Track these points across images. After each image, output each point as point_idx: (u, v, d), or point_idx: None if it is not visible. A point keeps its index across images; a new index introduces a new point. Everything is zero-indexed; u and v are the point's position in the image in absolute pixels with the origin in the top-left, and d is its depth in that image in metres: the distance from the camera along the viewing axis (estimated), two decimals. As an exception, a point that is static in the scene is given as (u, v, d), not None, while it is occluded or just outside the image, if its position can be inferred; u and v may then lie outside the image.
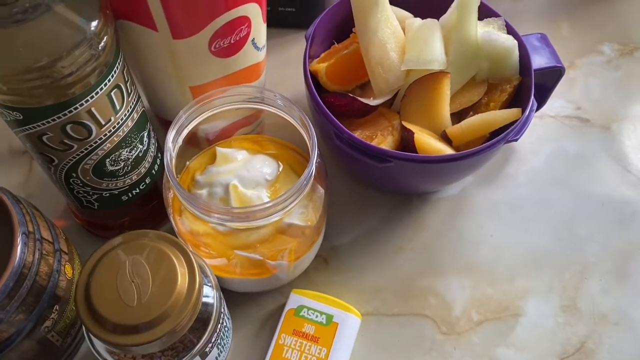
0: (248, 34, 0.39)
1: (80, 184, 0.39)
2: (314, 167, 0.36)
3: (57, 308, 0.36)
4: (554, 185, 0.51)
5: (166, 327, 0.32)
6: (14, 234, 0.33)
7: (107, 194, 0.40)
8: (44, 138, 0.34)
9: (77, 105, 0.33)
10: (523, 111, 0.42)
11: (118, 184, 0.40)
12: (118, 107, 0.35)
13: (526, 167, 0.52)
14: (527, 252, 0.48)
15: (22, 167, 0.51)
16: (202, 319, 0.36)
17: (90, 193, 0.40)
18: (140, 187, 0.42)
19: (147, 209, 0.46)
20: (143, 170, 0.41)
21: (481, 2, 0.46)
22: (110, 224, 0.45)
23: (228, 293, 0.44)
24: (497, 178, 0.51)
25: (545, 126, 0.54)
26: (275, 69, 0.53)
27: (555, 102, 0.56)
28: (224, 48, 0.38)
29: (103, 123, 0.35)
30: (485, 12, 0.47)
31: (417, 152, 0.41)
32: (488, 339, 0.44)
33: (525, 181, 0.51)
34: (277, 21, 0.59)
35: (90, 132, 0.35)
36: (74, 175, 0.38)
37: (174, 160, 0.37)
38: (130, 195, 0.42)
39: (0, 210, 0.34)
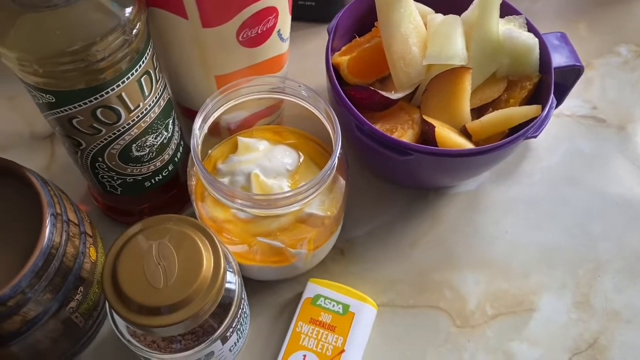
0: (275, 24, 0.39)
1: (106, 169, 0.39)
2: (337, 158, 0.37)
3: (82, 290, 0.37)
4: (569, 184, 0.51)
5: (190, 311, 0.33)
6: (42, 214, 0.34)
7: (131, 180, 0.41)
8: (74, 121, 0.35)
9: (109, 89, 0.33)
10: (543, 108, 0.43)
11: (142, 170, 0.41)
12: (147, 93, 0.36)
13: (542, 164, 0.53)
14: (542, 249, 0.48)
15: (44, 151, 0.51)
16: (224, 304, 0.37)
17: (115, 178, 0.40)
18: (163, 174, 0.43)
19: (167, 196, 0.46)
20: (167, 157, 0.42)
21: (502, 0, 0.46)
22: (131, 209, 0.46)
23: (246, 280, 0.44)
24: (513, 175, 0.52)
25: (561, 125, 0.55)
26: (294, 61, 0.53)
27: (572, 102, 0.56)
28: (251, 38, 0.39)
29: (132, 108, 0.35)
30: (506, 10, 0.47)
31: (437, 146, 0.42)
32: (502, 333, 0.44)
33: (540, 179, 0.52)
34: (296, 14, 0.59)
35: (119, 116, 0.35)
36: (100, 159, 0.38)
37: (199, 147, 0.37)
38: (153, 182, 0.42)
39: (28, 191, 0.35)
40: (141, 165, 0.40)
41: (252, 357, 0.43)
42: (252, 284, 0.45)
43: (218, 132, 0.46)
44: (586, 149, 0.53)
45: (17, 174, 0.35)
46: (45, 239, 0.33)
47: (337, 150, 0.37)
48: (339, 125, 0.37)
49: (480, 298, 0.46)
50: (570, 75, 0.48)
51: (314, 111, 0.39)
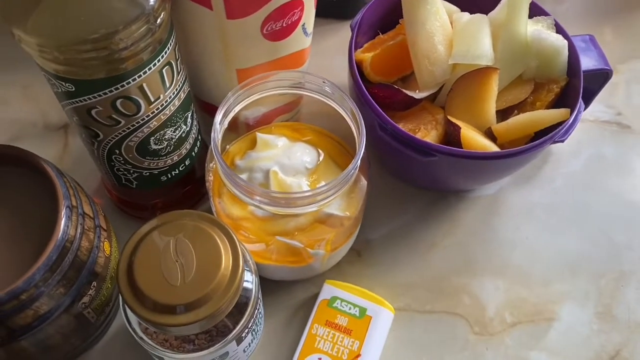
0: (300, 18, 0.38)
1: (122, 162, 0.38)
2: (360, 158, 0.36)
3: (95, 285, 0.36)
4: (592, 190, 0.50)
5: (207, 310, 0.32)
6: (58, 207, 0.33)
7: (147, 173, 0.40)
8: (93, 112, 0.34)
9: (130, 80, 0.32)
10: (571, 112, 0.41)
11: (159, 164, 0.40)
12: (168, 85, 0.35)
13: (564, 170, 0.51)
14: (563, 256, 0.47)
15: (58, 142, 0.51)
16: (241, 303, 0.36)
17: (131, 171, 0.39)
18: (180, 169, 0.42)
19: (181, 192, 0.45)
20: (184, 151, 0.41)
21: (531, 0, 0.45)
22: (144, 204, 0.45)
23: (261, 280, 0.43)
24: (534, 180, 0.51)
25: (584, 130, 0.53)
26: (313, 57, 0.52)
27: (596, 107, 0.55)
28: (276, 31, 0.38)
29: (152, 100, 0.34)
30: (534, 11, 0.46)
31: (461, 148, 0.40)
32: (521, 342, 0.43)
33: (562, 184, 0.51)
34: (319, 11, 0.58)
35: (139, 108, 0.34)
36: (117, 152, 0.37)
37: (220, 141, 0.36)
38: (169, 176, 0.41)
39: (44, 182, 0.34)
40: (158, 159, 0.39)
41: (266, 358, 0.42)
42: (267, 284, 0.44)
43: (236, 128, 0.45)
44: (610, 155, 0.52)
45: (33, 164, 0.35)
46: (60, 232, 0.32)
47: (362, 151, 0.36)
48: (364, 125, 0.36)
49: (499, 305, 0.44)
50: (598, 79, 0.47)
51: (338, 109, 0.38)
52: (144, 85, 0.33)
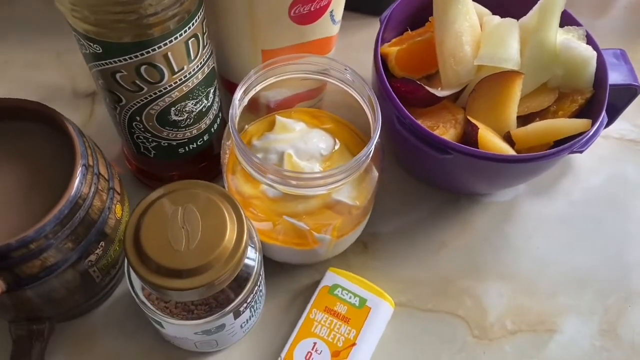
0: (328, 4, 0.38)
1: (142, 129, 0.39)
2: (373, 146, 0.36)
3: (103, 245, 0.37)
4: (609, 208, 0.50)
5: (207, 278, 0.32)
6: (74, 164, 0.34)
7: (166, 144, 0.41)
8: (117, 76, 0.35)
9: (156, 47, 0.33)
10: (593, 123, 0.41)
11: (178, 135, 0.40)
12: (192, 57, 0.36)
13: (583, 185, 0.51)
14: (572, 270, 0.46)
15: (84, 109, 0.52)
16: (241, 278, 0.36)
17: (150, 140, 0.40)
18: (198, 143, 0.42)
19: (197, 167, 0.46)
20: (203, 126, 0.41)
21: (564, 10, 0.45)
22: (161, 175, 0.46)
23: (265, 260, 0.44)
24: (551, 191, 0.50)
25: (608, 147, 0.53)
26: (340, 50, 0.52)
27: (622, 124, 0.54)
28: (303, 14, 0.38)
29: (176, 70, 0.35)
30: (566, 20, 0.45)
31: (478, 149, 0.40)
32: (520, 350, 0.43)
33: (579, 199, 0.50)
34: (348, 4, 0.58)
35: (162, 76, 0.35)
36: (138, 119, 0.38)
37: (237, 117, 0.37)
38: (187, 149, 0.42)
39: (65, 140, 0.35)
40: (177, 131, 0.40)
41: (262, 337, 0.42)
42: (272, 265, 0.44)
43: (257, 109, 0.46)
44: (631, 175, 0.51)
45: (55, 121, 0.36)
46: (74, 189, 0.33)
47: (375, 138, 0.36)
48: (380, 113, 0.36)
49: (502, 311, 0.44)
50: (625, 95, 0.46)
51: (355, 96, 0.38)
52: (169, 54, 0.34)
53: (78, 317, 0.42)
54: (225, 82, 0.47)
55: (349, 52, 0.55)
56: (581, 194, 0.50)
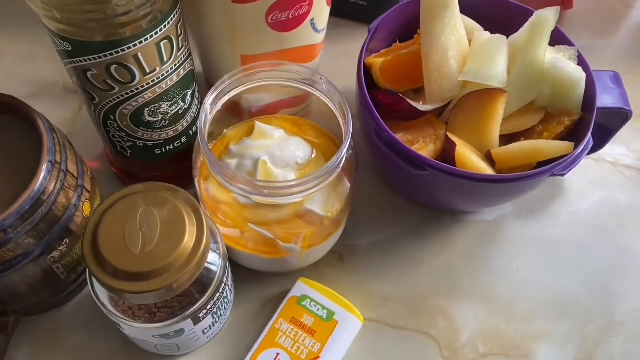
0: (308, 12, 0.38)
1: (117, 128, 0.39)
2: (344, 154, 0.36)
3: (68, 242, 0.37)
4: (597, 234, 0.48)
5: (163, 281, 0.32)
6: (41, 159, 0.34)
7: (141, 144, 0.41)
8: (89, 74, 0.35)
9: (125, 47, 0.33)
10: (576, 146, 0.40)
11: (153, 136, 0.40)
12: (165, 59, 0.35)
13: (571, 208, 0.49)
14: (552, 295, 0.45)
15: (73, 105, 0.52)
16: (202, 283, 0.36)
17: (125, 139, 0.40)
18: (175, 145, 0.42)
19: (178, 168, 0.46)
20: (180, 128, 0.41)
21: (556, 28, 0.44)
22: (141, 175, 0.46)
23: (238, 268, 0.44)
24: (538, 213, 0.49)
25: (600, 170, 0.51)
26: (334, 58, 0.52)
27: (617, 148, 0.52)
28: (281, 21, 0.38)
29: (148, 71, 0.35)
30: (558, 39, 0.44)
31: (455, 166, 0.40)
32: (490, 375, 0.42)
33: (567, 222, 0.49)
34: (346, 12, 0.58)
35: (133, 77, 0.35)
36: (112, 118, 0.38)
37: (208, 123, 0.37)
38: (164, 150, 0.42)
39: (36, 136, 0.35)
40: (152, 131, 0.40)
41: (227, 344, 0.42)
42: (243, 272, 0.44)
43: (239, 113, 0.46)
44: (623, 201, 0.50)
45: (27, 116, 0.36)
46: (38, 184, 0.33)
47: (346, 146, 0.35)
48: (351, 122, 0.36)
49: (475, 333, 0.43)
50: (617, 118, 0.45)
51: (329, 104, 0.38)
52: (139, 54, 0.34)
53: (45, 312, 0.42)
54: (211, 86, 0.47)
55: (342, 61, 0.54)
56: (569, 218, 0.49)
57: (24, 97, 0.52)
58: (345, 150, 0.35)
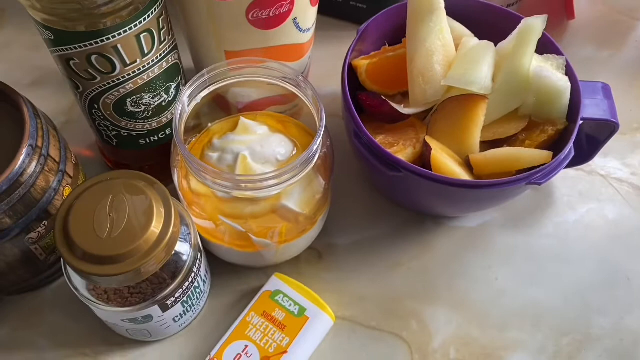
0: (290, 11, 0.39)
1: (102, 117, 0.40)
2: (318, 145, 0.36)
3: (46, 224, 0.38)
4: (581, 246, 0.47)
5: (129, 266, 0.33)
6: (22, 143, 0.35)
7: (126, 134, 0.42)
8: (71, 63, 0.36)
9: (104, 38, 0.34)
10: (555, 156, 0.40)
11: (137, 127, 0.41)
12: (146, 51, 0.36)
13: (557, 219, 0.49)
14: (529, 306, 0.45)
15: (71, 94, 0.54)
16: (170, 271, 0.37)
17: (110, 128, 0.41)
18: (159, 136, 0.43)
19: (167, 159, 0.47)
20: (164, 120, 0.42)
21: (546, 37, 0.44)
22: (130, 165, 0.47)
23: (216, 260, 0.44)
24: (522, 222, 0.49)
25: (591, 183, 0.51)
26: (328, 59, 0.52)
27: (610, 162, 0.52)
28: (262, 19, 0.38)
29: (128, 62, 0.36)
30: (547, 47, 0.44)
31: (431, 170, 0.40)
32: (459, 381, 0.42)
33: (551, 233, 0.48)
34: (345, 14, 0.59)
35: (114, 67, 0.36)
36: (96, 107, 0.39)
37: (185, 116, 0.38)
38: (148, 141, 0.43)
39: (20, 120, 0.36)
40: (136, 122, 0.41)
41: (199, 333, 0.43)
42: (221, 265, 0.44)
43: (227, 108, 0.46)
44: (611, 215, 0.49)
45: (12, 100, 0.37)
46: (16, 167, 0.34)
47: (319, 136, 0.36)
48: (324, 114, 0.36)
49: (447, 339, 0.43)
50: (604, 130, 0.44)
51: (302, 98, 0.38)
52: (119, 46, 0.35)
53: (27, 292, 0.43)
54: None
55: (337, 62, 0.54)
56: (554, 229, 0.48)
57: (25, 85, 0.55)
58: (319, 141, 0.36)
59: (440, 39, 0.43)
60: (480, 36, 0.45)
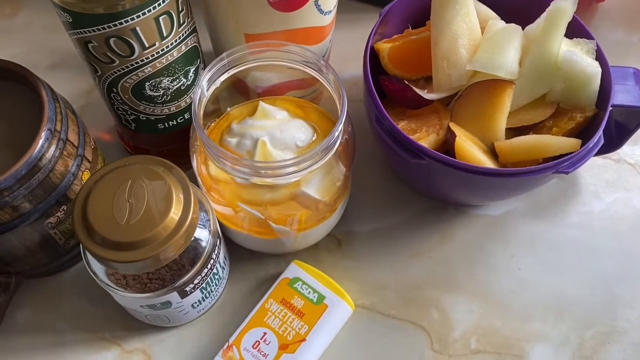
0: (311, -7, 0.38)
1: (120, 101, 0.40)
2: (339, 131, 0.35)
3: (65, 209, 0.38)
4: (607, 237, 0.46)
5: (148, 252, 0.33)
6: (40, 127, 0.35)
7: (144, 118, 0.41)
8: (90, 46, 0.35)
9: (122, 20, 0.33)
10: (583, 144, 0.38)
11: (155, 111, 0.41)
12: (165, 34, 0.36)
13: (583, 209, 0.48)
14: (553, 297, 0.44)
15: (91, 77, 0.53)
16: (189, 258, 0.36)
17: (129, 112, 0.41)
18: (178, 120, 0.43)
19: (186, 144, 0.46)
20: (183, 104, 0.42)
21: (576, 20, 0.42)
22: (149, 149, 0.47)
23: (236, 247, 0.44)
24: (547, 211, 0.47)
25: (618, 171, 0.49)
26: (350, 42, 0.51)
27: (639, 149, 0.50)
28: (283, 1, 0.37)
29: (147, 45, 0.35)
30: (577, 31, 0.43)
31: (455, 157, 0.39)
32: (479, 372, 0.41)
33: (576, 223, 0.47)
34: (367, -3, 0.57)
35: (132, 51, 0.35)
36: (115, 90, 0.39)
37: (204, 100, 0.37)
38: (167, 126, 0.43)
39: (39, 104, 0.36)
40: (154, 106, 0.40)
41: (218, 320, 0.42)
42: (240, 251, 0.44)
43: (246, 92, 0.46)
44: (638, 205, 0.48)
45: (34, 86, 0.37)
46: (35, 151, 0.34)
47: (341, 122, 0.35)
48: (345, 98, 0.35)
49: (468, 329, 0.42)
50: (635, 118, 0.43)
51: (324, 82, 0.37)
52: (137, 28, 0.34)
53: (47, 275, 0.43)
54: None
55: (357, 44, 0.53)
56: (579, 219, 0.47)
57: (44, 68, 0.55)
58: (340, 127, 0.35)
59: (466, 21, 0.41)
60: (507, 19, 0.44)
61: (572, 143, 0.38)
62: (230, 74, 0.38)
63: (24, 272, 0.41)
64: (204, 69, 0.41)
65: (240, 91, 0.46)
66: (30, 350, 0.41)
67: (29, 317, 0.42)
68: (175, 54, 0.38)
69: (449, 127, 0.40)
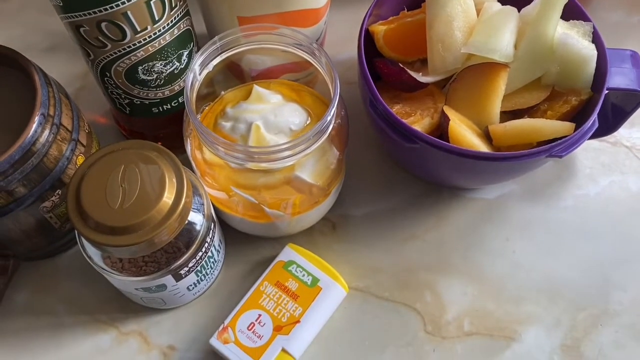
0: (304, -25, 0.37)
1: (114, 85, 0.40)
2: (332, 114, 0.35)
3: (60, 193, 0.38)
4: (602, 220, 0.46)
5: (141, 236, 0.33)
6: (33, 112, 0.35)
7: (138, 102, 0.41)
8: (81, 30, 0.35)
9: (113, 4, 0.33)
10: (577, 128, 0.38)
11: (149, 95, 0.41)
12: (157, 18, 0.36)
13: (578, 192, 0.48)
14: (546, 279, 0.44)
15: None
16: (184, 241, 0.37)
17: (122, 96, 0.41)
18: (172, 104, 0.43)
19: (181, 127, 0.46)
20: (177, 88, 0.42)
21: (573, 2, 0.42)
22: (145, 133, 0.47)
23: (231, 230, 0.44)
24: (542, 194, 0.47)
25: (614, 154, 0.49)
26: (345, 25, 0.51)
27: (636, 132, 0.50)
28: (276, -16, 0.37)
29: (138, 29, 0.35)
30: (574, 13, 0.42)
31: (449, 141, 0.39)
32: (472, 353, 0.41)
33: (571, 206, 0.47)
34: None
35: (124, 35, 0.35)
36: (108, 74, 0.39)
37: (197, 84, 0.37)
38: (161, 110, 0.43)
39: (32, 89, 0.36)
40: (148, 90, 0.40)
41: (213, 302, 0.43)
42: (236, 235, 0.44)
43: (242, 76, 0.46)
44: (635, 188, 0.48)
45: (27, 71, 0.37)
46: (28, 136, 0.34)
47: (334, 105, 0.35)
48: (338, 81, 0.35)
49: (461, 311, 0.43)
50: (631, 100, 0.42)
51: (316, 65, 0.37)
52: (129, 12, 0.34)
53: (44, 258, 0.44)
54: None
55: (352, 26, 0.53)
56: (574, 202, 0.47)
57: (41, 50, 0.54)
58: (332, 112, 0.35)
59: (461, 4, 0.41)
60: (502, 1, 0.43)
61: (566, 127, 0.38)
62: (222, 57, 0.38)
63: (22, 255, 0.42)
64: (196, 53, 0.41)
65: (235, 74, 0.45)
66: (28, 332, 0.42)
67: (27, 300, 0.43)
68: (168, 37, 0.37)
69: (442, 111, 0.40)
